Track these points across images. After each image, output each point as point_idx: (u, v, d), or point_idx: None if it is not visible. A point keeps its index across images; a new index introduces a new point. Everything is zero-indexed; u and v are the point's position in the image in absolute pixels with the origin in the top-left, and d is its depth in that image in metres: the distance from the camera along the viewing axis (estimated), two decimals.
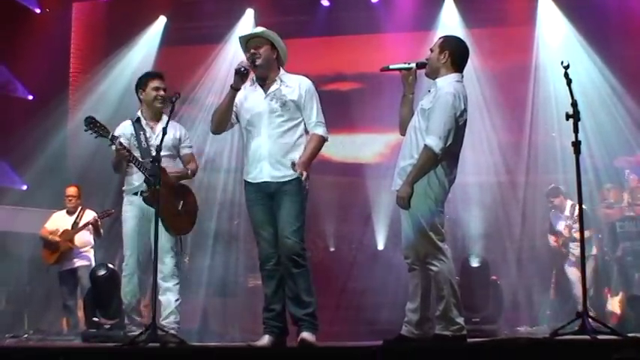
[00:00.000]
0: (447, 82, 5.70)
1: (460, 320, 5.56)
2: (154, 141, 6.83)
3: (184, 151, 7.08)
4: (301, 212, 5.94)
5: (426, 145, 5.51)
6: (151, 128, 6.99)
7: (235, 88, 6.01)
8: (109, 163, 7.07)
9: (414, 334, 5.66)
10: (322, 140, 6.07)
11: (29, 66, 11.72)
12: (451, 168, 5.67)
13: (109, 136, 6.77)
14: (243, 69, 5.97)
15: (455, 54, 5.80)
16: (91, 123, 6.76)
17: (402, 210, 5.66)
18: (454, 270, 5.74)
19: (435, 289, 5.60)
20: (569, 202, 9.87)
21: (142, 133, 6.94)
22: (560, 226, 10.00)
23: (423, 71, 5.90)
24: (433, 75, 5.82)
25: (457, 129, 5.58)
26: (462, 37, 6.09)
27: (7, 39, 11.46)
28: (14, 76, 12.13)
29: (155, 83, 7.02)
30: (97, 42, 12.95)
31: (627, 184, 10.02)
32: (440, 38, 5.94)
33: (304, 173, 5.82)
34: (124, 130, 6.98)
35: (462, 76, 5.81)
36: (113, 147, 6.77)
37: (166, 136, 6.67)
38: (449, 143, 5.52)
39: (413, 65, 5.91)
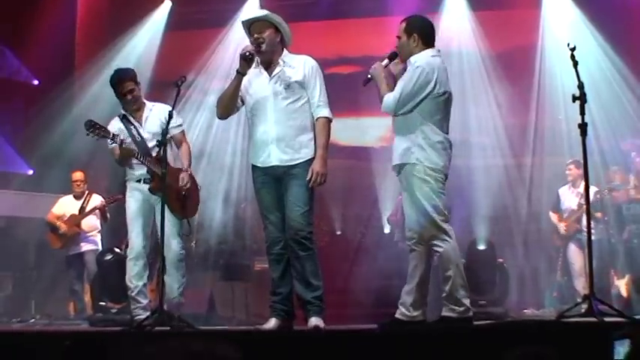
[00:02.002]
0: (419, 57, 5.74)
1: (466, 301, 5.57)
2: (145, 133, 6.94)
3: (173, 132, 6.90)
4: (309, 196, 5.93)
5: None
6: (138, 121, 7.03)
7: (242, 73, 5.97)
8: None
9: (406, 317, 5.67)
10: (329, 122, 6.07)
11: (35, 51, 11.68)
12: (445, 150, 5.69)
13: (111, 136, 6.81)
14: (248, 54, 5.90)
15: (422, 33, 5.84)
16: (92, 126, 6.77)
17: (404, 193, 5.73)
18: (459, 251, 5.74)
19: (440, 270, 5.62)
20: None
21: (132, 127, 6.98)
22: (571, 202, 9.95)
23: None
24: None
25: (426, 98, 5.64)
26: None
27: (13, 23, 11.43)
28: (20, 60, 12.12)
29: (124, 87, 6.99)
30: (103, 26, 12.90)
31: (633, 166, 9.99)
32: (402, 23, 5.92)
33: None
34: (116, 127, 6.98)
35: (439, 50, 5.86)
36: (113, 145, 6.81)
37: (152, 124, 6.85)
38: (406, 107, 5.66)
39: (385, 62, 6.01)
